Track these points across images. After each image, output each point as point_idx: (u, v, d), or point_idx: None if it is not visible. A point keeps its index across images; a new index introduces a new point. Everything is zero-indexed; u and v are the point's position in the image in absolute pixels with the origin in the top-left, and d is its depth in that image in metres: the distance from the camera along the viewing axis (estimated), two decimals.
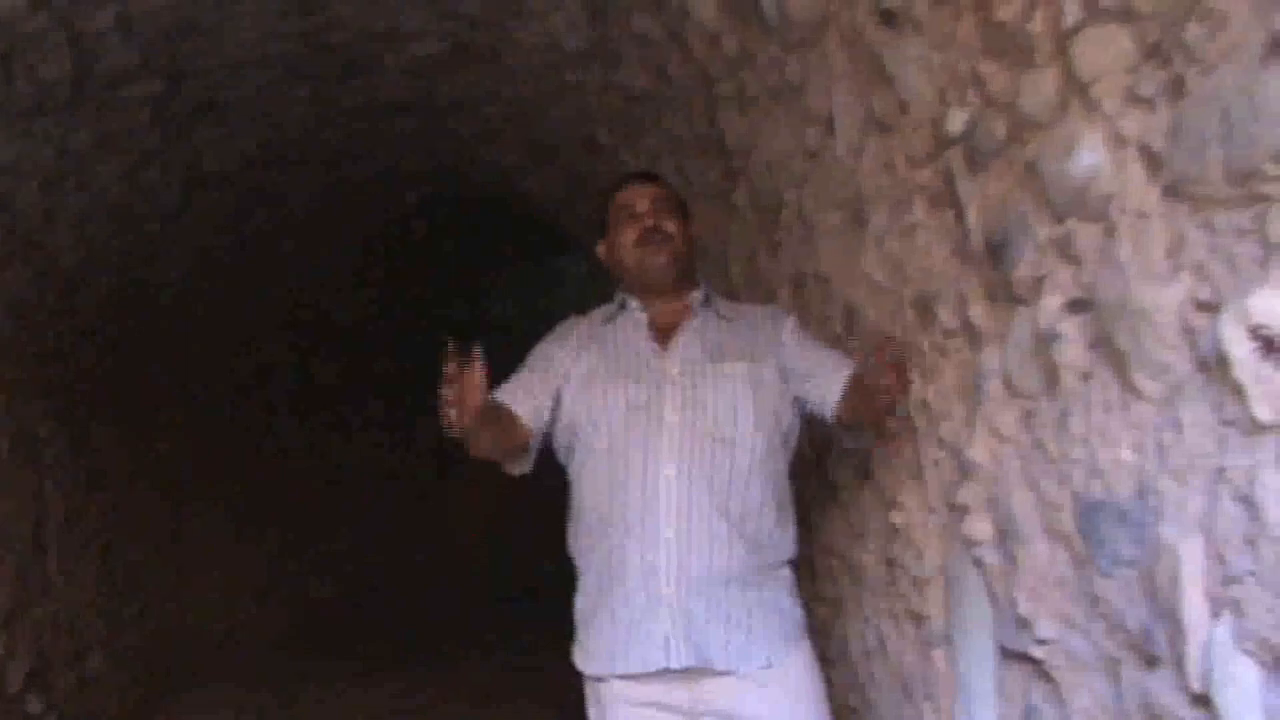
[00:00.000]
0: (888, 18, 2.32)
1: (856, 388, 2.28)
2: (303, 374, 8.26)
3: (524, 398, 2.46)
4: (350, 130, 5.79)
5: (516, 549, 9.73)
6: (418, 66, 4.97)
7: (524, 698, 5.87)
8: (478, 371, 2.17)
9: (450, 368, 2.14)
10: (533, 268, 10.30)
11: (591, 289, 8.09)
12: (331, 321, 8.53)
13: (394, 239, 8.23)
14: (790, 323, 2.55)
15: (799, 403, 2.44)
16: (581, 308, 2.70)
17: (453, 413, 2.17)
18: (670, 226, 2.54)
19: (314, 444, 8.39)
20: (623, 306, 2.56)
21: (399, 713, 5.85)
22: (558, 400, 2.47)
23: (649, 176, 2.79)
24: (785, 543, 2.44)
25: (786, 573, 2.45)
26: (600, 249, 2.67)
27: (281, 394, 7.92)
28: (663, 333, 2.49)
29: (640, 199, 2.58)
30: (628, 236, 2.55)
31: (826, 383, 2.39)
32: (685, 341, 2.46)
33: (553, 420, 2.48)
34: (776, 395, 2.41)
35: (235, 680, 6.69)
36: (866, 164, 2.61)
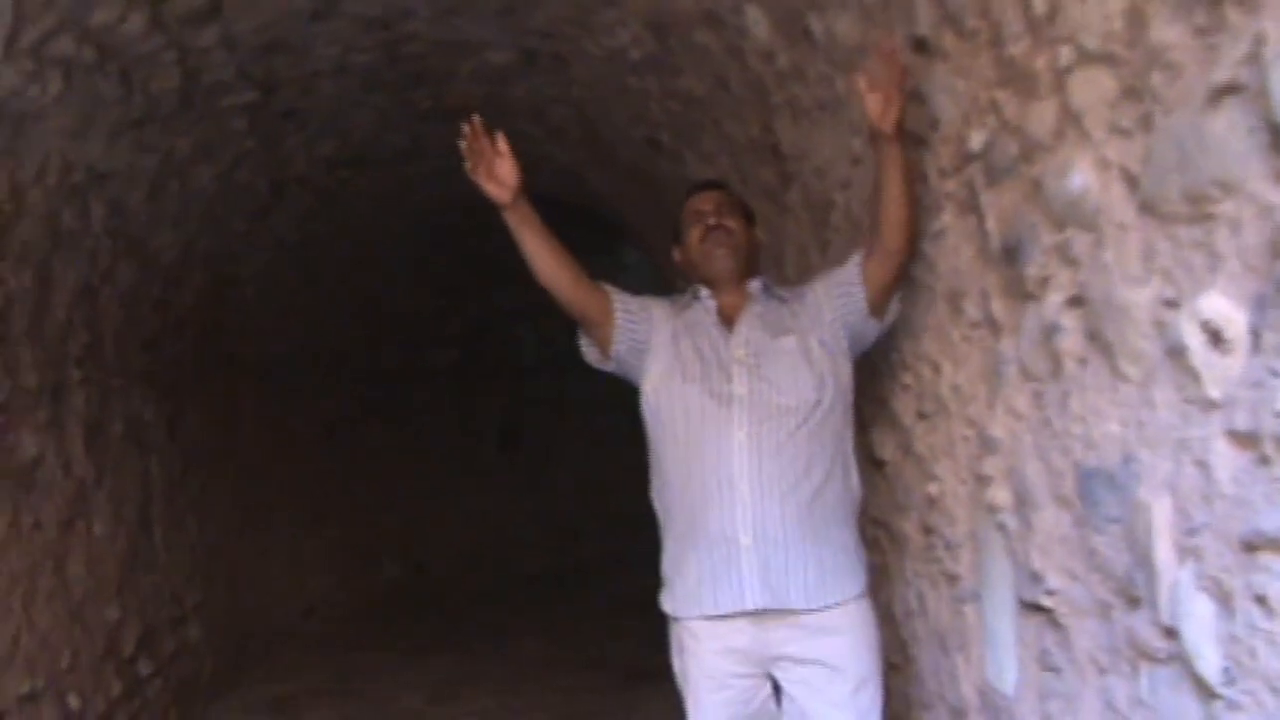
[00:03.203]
0: (920, 45, 2.61)
1: (875, 148, 2.57)
2: (371, 360, 8.66)
3: (613, 286, 2.83)
4: (417, 132, 6.14)
5: (575, 525, 10.07)
6: (488, 73, 5.29)
7: (575, 669, 6.29)
8: (501, 141, 2.59)
9: (464, 144, 2.53)
10: (598, 257, 10.63)
11: (650, 278, 8.38)
12: (395, 310, 8.91)
13: (455, 233, 8.57)
14: (822, 276, 2.88)
15: (847, 313, 2.74)
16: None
17: (490, 186, 2.59)
18: (732, 224, 2.89)
19: (382, 427, 8.80)
20: (695, 296, 2.89)
21: (450, 682, 6.30)
22: (646, 323, 2.80)
23: (715, 184, 3.16)
24: (849, 492, 2.76)
25: (852, 518, 2.77)
26: (676, 253, 3.01)
27: (350, 380, 8.32)
28: (728, 319, 2.82)
29: (706, 203, 2.94)
30: (695, 235, 2.90)
31: (849, 270, 2.74)
32: (748, 324, 2.78)
33: (638, 331, 2.79)
34: (828, 360, 2.72)
35: (312, 650, 7.14)
36: None
